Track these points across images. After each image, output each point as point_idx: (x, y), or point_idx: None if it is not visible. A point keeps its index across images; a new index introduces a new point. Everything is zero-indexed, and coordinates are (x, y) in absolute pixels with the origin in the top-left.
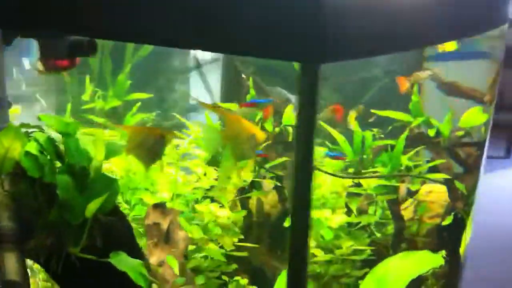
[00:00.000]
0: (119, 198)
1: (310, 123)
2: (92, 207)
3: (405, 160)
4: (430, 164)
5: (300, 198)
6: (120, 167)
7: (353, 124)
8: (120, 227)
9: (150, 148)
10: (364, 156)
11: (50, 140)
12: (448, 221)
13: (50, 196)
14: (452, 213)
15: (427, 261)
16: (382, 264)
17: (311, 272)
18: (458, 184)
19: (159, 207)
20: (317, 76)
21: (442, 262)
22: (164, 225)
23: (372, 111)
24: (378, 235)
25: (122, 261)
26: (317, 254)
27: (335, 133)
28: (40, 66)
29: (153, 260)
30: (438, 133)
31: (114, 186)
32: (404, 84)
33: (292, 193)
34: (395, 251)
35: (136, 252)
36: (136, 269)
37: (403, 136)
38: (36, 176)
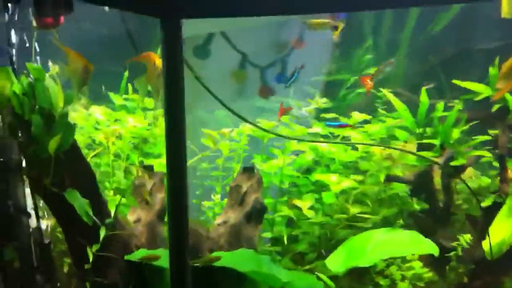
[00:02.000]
0: None
1: (177, 78)
2: (52, 144)
3: (457, 133)
4: (481, 139)
5: (173, 154)
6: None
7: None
8: (79, 168)
9: (80, 73)
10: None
11: (30, 83)
12: (487, 202)
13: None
14: (493, 196)
15: (413, 245)
16: (364, 234)
17: (305, 231)
18: (510, 164)
19: (147, 169)
20: (178, 31)
21: (434, 251)
22: (148, 186)
23: (453, 81)
24: (417, 206)
25: (73, 198)
26: (309, 215)
27: (395, 100)
28: (34, 23)
29: (132, 216)
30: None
31: (71, 130)
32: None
33: (166, 151)
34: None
35: (92, 193)
36: (82, 207)
37: (455, 109)
38: (20, 113)
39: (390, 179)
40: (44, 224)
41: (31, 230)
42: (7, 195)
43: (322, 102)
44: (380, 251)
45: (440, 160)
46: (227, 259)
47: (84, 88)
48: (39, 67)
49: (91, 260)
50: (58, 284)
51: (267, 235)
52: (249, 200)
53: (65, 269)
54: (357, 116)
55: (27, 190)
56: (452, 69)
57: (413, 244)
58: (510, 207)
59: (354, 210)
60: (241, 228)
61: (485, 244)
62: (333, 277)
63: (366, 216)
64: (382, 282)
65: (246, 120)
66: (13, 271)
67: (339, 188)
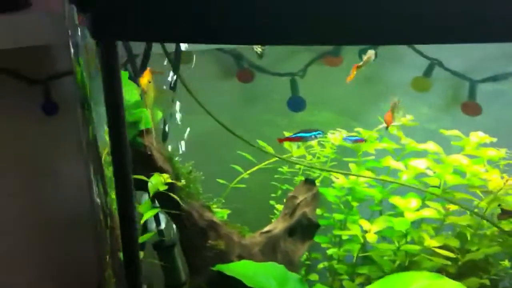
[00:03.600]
0: None
1: (115, 95)
2: (131, 132)
3: None
4: None
5: (117, 170)
6: None
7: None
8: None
9: None
10: None
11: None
12: None
13: None
14: None
15: None
16: (407, 274)
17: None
18: None
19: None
20: (112, 52)
21: None
22: (300, 199)
23: None
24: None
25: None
26: (371, 239)
27: None
28: None
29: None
30: None
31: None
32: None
33: (113, 166)
34: None
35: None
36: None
37: None
38: None
39: (507, 213)
40: None
41: None
42: None
43: (408, 119)
44: None
45: None
46: (247, 269)
47: None
48: None
49: None
50: None
51: (331, 251)
52: (298, 213)
53: None
54: (477, 138)
55: None
56: None
57: None
58: None
59: (431, 242)
60: (280, 240)
61: None
62: None
63: (443, 252)
64: None
65: (242, 139)
66: None
67: (416, 216)
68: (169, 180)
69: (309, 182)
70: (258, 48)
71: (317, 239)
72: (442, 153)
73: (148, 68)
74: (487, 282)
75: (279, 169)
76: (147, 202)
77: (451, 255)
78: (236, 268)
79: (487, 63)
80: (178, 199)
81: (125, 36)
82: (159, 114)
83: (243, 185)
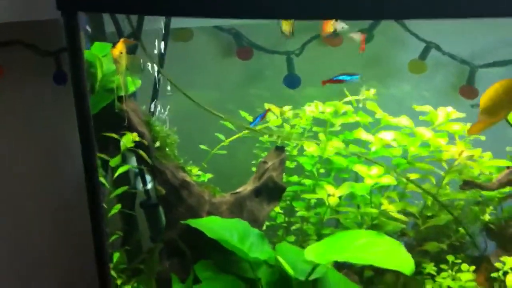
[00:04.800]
0: None
1: (78, 65)
2: (109, 97)
3: None
4: None
5: (83, 138)
6: None
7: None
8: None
9: None
10: None
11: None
12: None
13: None
14: None
15: (388, 257)
16: (351, 232)
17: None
18: None
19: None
20: (75, 22)
21: (406, 271)
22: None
23: None
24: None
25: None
26: (332, 202)
27: None
28: None
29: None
30: None
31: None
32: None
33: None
34: None
35: None
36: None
37: None
38: None
39: (468, 184)
40: None
41: None
42: None
43: (371, 93)
44: (353, 256)
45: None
46: (213, 224)
47: None
48: None
49: None
50: None
51: (300, 213)
52: (266, 177)
53: None
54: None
55: None
56: None
57: (387, 256)
58: None
59: (388, 207)
60: (246, 200)
61: None
62: None
63: (398, 216)
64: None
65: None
66: None
67: (374, 182)
68: (137, 139)
69: (279, 149)
70: (287, 28)
71: (294, 203)
72: (413, 127)
73: (122, 39)
74: (444, 246)
75: (260, 138)
76: (118, 157)
77: (404, 218)
78: (203, 223)
79: (490, 50)
80: (146, 157)
81: (86, 8)
82: (137, 82)
83: (224, 152)
